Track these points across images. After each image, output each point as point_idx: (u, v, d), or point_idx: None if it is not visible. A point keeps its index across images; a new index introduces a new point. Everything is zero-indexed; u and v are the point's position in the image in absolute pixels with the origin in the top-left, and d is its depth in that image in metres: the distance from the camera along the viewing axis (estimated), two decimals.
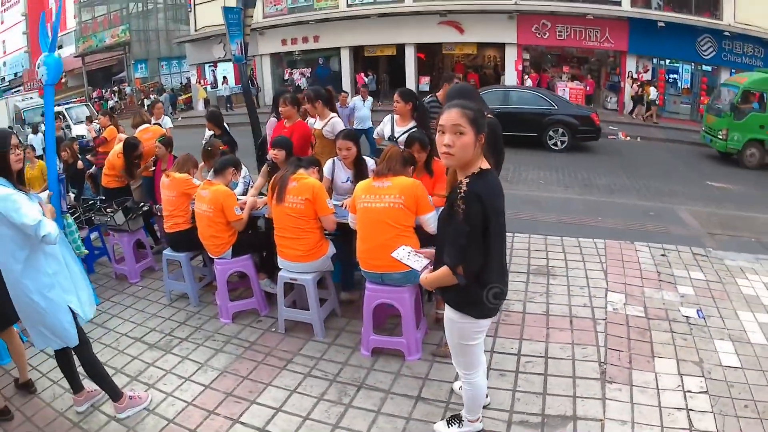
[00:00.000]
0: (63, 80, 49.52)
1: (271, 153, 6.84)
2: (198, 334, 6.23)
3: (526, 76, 25.84)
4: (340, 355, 5.50)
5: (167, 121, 11.39)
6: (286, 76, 33.16)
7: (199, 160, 7.42)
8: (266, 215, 6.35)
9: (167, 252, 7.10)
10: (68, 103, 33.06)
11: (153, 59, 42.81)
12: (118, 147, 8.86)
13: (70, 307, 4.57)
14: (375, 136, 7.67)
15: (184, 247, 6.93)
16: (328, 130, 7.54)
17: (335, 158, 6.70)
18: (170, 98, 32.64)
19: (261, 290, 6.50)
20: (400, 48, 28.73)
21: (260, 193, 6.99)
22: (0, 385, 5.50)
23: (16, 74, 65.96)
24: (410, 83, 27.45)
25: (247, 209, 6.34)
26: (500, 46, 27.49)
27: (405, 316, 5.18)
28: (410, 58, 28.42)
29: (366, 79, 28.99)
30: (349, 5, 28.94)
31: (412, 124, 6.88)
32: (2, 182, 4.28)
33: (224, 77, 36.18)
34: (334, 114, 7.76)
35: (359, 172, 6.53)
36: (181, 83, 42.84)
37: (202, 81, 37.73)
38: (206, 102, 36.34)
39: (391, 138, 7.04)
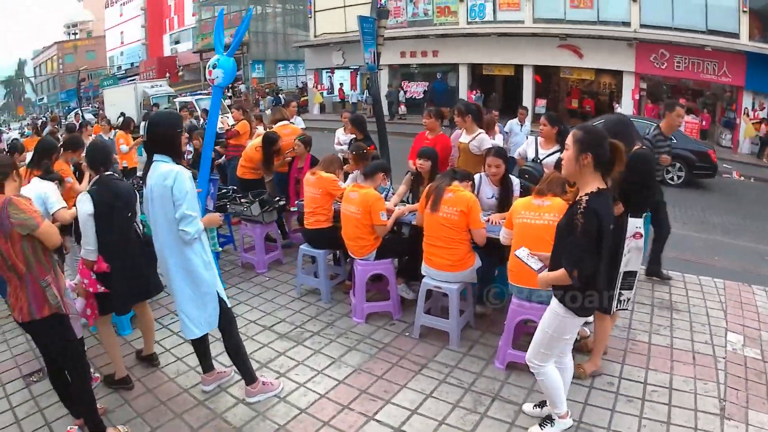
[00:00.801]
0: (180, 73, 51.04)
1: (417, 163, 6.92)
2: (330, 329, 6.31)
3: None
4: (475, 365, 5.47)
5: (299, 121, 11.59)
6: (405, 87, 33.32)
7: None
8: (413, 222, 6.38)
9: (304, 247, 7.24)
10: (198, 94, 33.54)
11: (270, 61, 43.70)
12: (256, 141, 9.09)
13: (217, 292, 4.77)
14: (516, 156, 7.65)
15: (322, 245, 7.05)
16: (475, 145, 7.58)
17: (482, 174, 6.71)
18: (273, 101, 33.07)
19: (397, 294, 6.54)
20: (518, 69, 28.45)
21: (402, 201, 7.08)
22: (121, 355, 5.63)
23: (132, 64, 68.79)
24: (527, 104, 27.10)
25: (393, 218, 6.40)
26: (616, 74, 26.80)
27: None
28: (528, 79, 28.09)
29: (474, 97, 28.87)
30: (469, 22, 28.90)
31: (556, 147, 6.89)
32: (169, 161, 4.55)
33: (341, 84, 36.67)
34: (482, 130, 7.78)
35: (505, 189, 6.56)
36: (297, 86, 43.62)
37: (319, 86, 38.36)
38: (322, 107, 36.97)
39: (535, 160, 7.06)
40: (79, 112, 37.15)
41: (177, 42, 62.45)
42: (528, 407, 4.77)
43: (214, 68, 6.53)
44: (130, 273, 5.12)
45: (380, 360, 5.62)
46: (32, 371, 6.06)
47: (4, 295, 7.98)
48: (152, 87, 34.74)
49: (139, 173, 10.65)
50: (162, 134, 4.59)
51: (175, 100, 31.52)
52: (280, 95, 36.34)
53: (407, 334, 6.11)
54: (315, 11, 36.57)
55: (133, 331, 6.54)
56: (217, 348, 5.40)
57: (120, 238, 5.07)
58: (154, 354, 5.86)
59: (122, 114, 25.23)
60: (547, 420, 4.45)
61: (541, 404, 4.68)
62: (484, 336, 5.98)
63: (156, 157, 4.56)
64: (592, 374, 5.21)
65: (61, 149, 7.38)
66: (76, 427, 4.78)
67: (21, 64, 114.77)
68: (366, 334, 6.16)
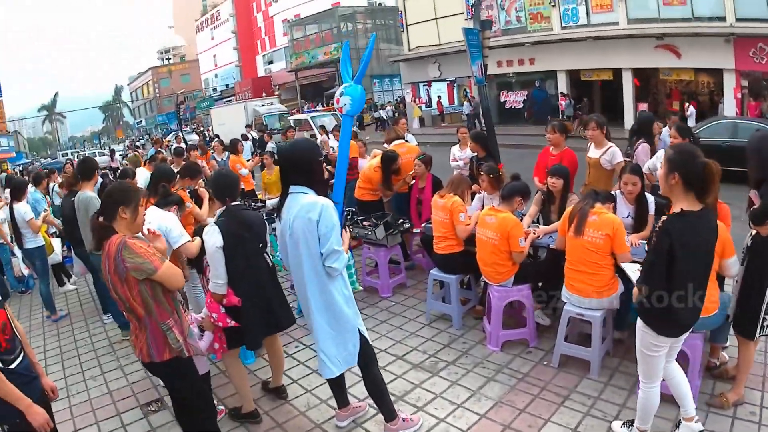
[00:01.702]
0: (276, 93, 52.04)
1: (549, 181, 6.71)
2: (465, 359, 6.11)
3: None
4: (617, 396, 5.18)
5: (411, 138, 11.46)
6: (503, 98, 32.93)
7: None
8: (550, 246, 6.17)
9: (434, 272, 7.08)
10: (312, 112, 33.85)
11: (365, 76, 43.87)
12: (374, 161, 9.01)
13: (357, 328, 4.62)
14: (645, 170, 7.31)
15: (454, 270, 6.87)
16: (606, 159, 7.29)
17: (617, 192, 6.42)
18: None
19: (534, 321, 6.31)
20: (616, 72, 27.63)
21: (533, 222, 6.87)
22: (249, 388, 5.58)
23: (227, 85, 70.78)
24: (628, 110, 26.51)
25: (529, 241, 6.17)
26: (715, 72, 25.53)
27: (693, 362, 4.84)
28: (627, 83, 27.20)
29: (564, 104, 28.50)
30: (563, 27, 28.36)
31: None
32: (311, 192, 4.40)
33: (438, 97, 36.64)
34: (612, 143, 7.48)
35: (641, 208, 6.26)
36: (395, 100, 43.86)
37: (417, 100, 38.45)
38: (421, 120, 37.04)
39: None
40: (180, 134, 37.79)
41: (270, 62, 63.95)
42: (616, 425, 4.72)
43: (341, 96, 6.45)
44: (261, 306, 5.06)
45: (521, 392, 5.37)
46: (150, 401, 6.12)
47: (116, 319, 8.13)
48: (263, 105, 35.07)
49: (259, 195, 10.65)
50: (300, 164, 4.43)
51: (289, 118, 31.56)
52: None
53: (545, 362, 5.86)
54: (407, 25, 36.65)
55: (256, 360, 6.54)
56: (350, 379, 5.28)
57: (250, 270, 5.01)
58: (283, 386, 5.79)
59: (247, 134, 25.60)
60: (630, 423, 4.57)
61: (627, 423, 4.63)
62: (623, 363, 5.66)
63: (294, 188, 4.42)
64: (734, 404, 4.88)
65: (178, 176, 7.41)
66: None
67: (118, 90, 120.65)
68: (503, 363, 5.93)
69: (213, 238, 4.76)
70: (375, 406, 4.92)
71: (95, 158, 9.87)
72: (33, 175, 13.39)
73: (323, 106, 45.72)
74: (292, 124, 27.37)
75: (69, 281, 11.35)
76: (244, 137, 22.59)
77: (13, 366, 3.63)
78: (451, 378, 5.73)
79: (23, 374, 3.72)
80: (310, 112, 34.16)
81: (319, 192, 4.43)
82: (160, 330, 3.96)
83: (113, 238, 3.90)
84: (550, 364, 5.78)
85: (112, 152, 41.13)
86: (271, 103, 36.17)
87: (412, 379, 5.80)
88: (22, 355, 3.78)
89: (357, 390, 5.47)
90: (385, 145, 10.06)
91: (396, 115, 32.28)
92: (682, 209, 3.70)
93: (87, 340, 8.37)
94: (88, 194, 7.64)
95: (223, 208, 5.06)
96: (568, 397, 5.22)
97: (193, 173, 7.63)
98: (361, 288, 6.17)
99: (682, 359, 4.70)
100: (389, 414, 4.81)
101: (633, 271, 4.39)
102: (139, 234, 4.23)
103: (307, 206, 4.27)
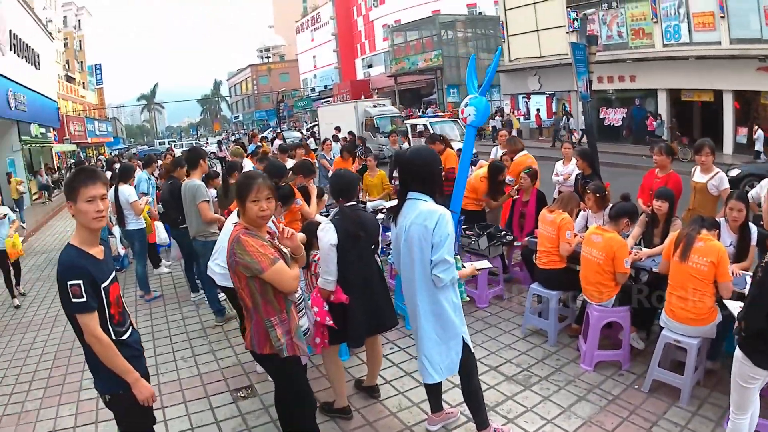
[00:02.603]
0: (375, 96, 52.42)
1: (655, 204, 6.70)
2: (558, 375, 6.14)
3: None
4: (704, 426, 5.12)
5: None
6: (602, 114, 32.33)
7: None
8: (651, 269, 6.17)
9: (535, 287, 7.13)
10: (431, 116, 32.59)
11: (464, 85, 43.43)
12: (481, 171, 9.09)
13: (462, 337, 4.70)
14: (750, 199, 7.22)
15: (555, 286, 6.90)
16: (714, 185, 7.26)
17: (722, 219, 6.36)
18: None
19: (629, 344, 6.29)
20: (717, 94, 26.55)
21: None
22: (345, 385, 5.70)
23: (325, 86, 71.66)
24: (727, 134, 25.75)
25: (630, 262, 6.14)
26: None
27: None
28: (728, 105, 26.21)
29: (655, 124, 27.85)
30: (665, 45, 27.68)
31: None
32: (429, 200, 4.50)
33: (537, 110, 36.28)
34: (719, 169, 7.41)
35: (743, 238, 6.22)
36: (494, 111, 43.77)
37: (515, 112, 38.18)
38: (518, 132, 36.82)
39: None
40: (279, 131, 38.01)
41: (370, 66, 64.44)
42: None
43: (466, 107, 6.58)
44: (367, 305, 5.19)
45: (610, 413, 5.37)
46: (240, 387, 6.34)
47: (212, 305, 8.41)
48: (374, 106, 33.31)
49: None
50: (422, 171, 4.53)
51: (405, 122, 30.00)
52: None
53: (636, 386, 5.83)
54: (508, 35, 36.42)
55: (350, 358, 6.70)
56: (444, 384, 5.33)
57: (361, 269, 5.15)
58: (376, 386, 5.92)
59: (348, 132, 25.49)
60: None
61: None
62: (713, 395, 5.58)
63: (412, 194, 4.53)
64: None
65: (290, 173, 7.66)
66: None
67: (217, 84, 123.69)
68: (595, 383, 5.93)
69: (328, 235, 4.89)
70: (468, 414, 5.03)
71: (203, 148, 10.28)
72: (145, 158, 14.01)
73: (419, 112, 45.51)
74: (407, 129, 27.75)
75: (160, 265, 11.96)
76: (334, 138, 22.79)
77: (124, 338, 3.84)
78: (542, 393, 5.78)
79: (133, 347, 3.95)
80: (428, 116, 33.08)
81: (437, 200, 4.52)
82: (263, 325, 4.05)
83: (236, 227, 4.07)
84: (641, 389, 5.76)
85: (220, 143, 41.84)
86: (383, 105, 34.52)
87: (505, 390, 5.86)
88: (131, 329, 4.01)
89: (449, 396, 5.57)
90: (499, 154, 10.11)
91: (503, 125, 31.92)
92: None
93: (180, 322, 8.76)
94: (196, 182, 7.99)
95: (338, 207, 5.23)
96: (656, 423, 5.20)
97: (307, 171, 7.76)
98: (468, 298, 6.26)
99: None
100: (482, 423, 4.86)
101: (735, 308, 4.37)
102: (271, 224, 4.36)
103: (425, 213, 4.37)
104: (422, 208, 4.41)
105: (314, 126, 48.47)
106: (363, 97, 46.13)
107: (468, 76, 7.06)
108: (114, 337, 3.72)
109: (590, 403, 5.57)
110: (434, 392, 5.14)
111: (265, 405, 5.94)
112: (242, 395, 6.19)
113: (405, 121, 29.97)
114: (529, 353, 6.69)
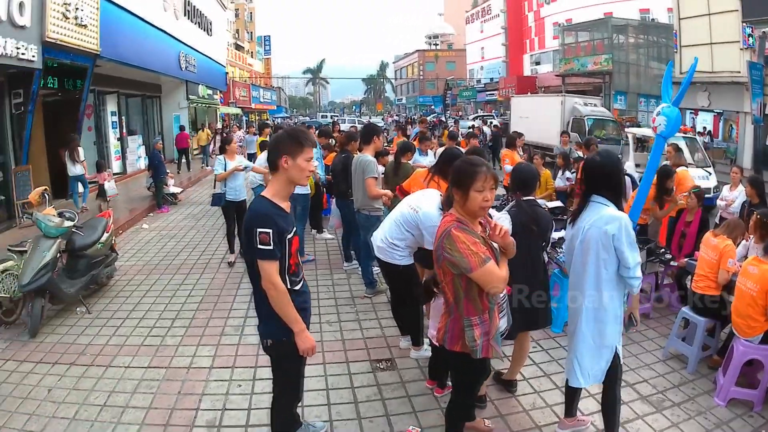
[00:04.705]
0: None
1: None
2: (690, 404, 6.07)
3: None
4: None
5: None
6: None
7: None
8: None
9: (685, 309, 7.08)
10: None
11: (632, 93, 42.01)
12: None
13: (615, 347, 4.76)
14: None
15: (706, 313, 6.82)
16: None
17: None
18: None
19: (767, 385, 6.08)
20: None
21: None
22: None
23: (491, 79, 71.30)
24: None
25: None
26: None
27: None
28: None
29: None
30: None
31: None
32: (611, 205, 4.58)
33: (704, 128, 34.78)
34: None
35: None
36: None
37: (682, 127, 36.56)
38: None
39: None
40: (442, 118, 37.29)
41: (537, 63, 63.38)
42: None
43: (657, 116, 6.52)
44: (527, 300, 5.31)
45: None
46: (381, 358, 6.59)
47: (365, 276, 8.66)
48: (585, 105, 29.49)
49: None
50: (611, 177, 4.63)
51: (627, 130, 24.30)
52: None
53: (764, 431, 5.68)
54: (681, 46, 35.08)
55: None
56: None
57: (529, 263, 5.27)
58: (515, 381, 6.05)
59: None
60: None
61: None
62: None
63: (594, 197, 4.62)
64: None
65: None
66: (419, 429, 5.14)
67: (383, 66, 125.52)
68: (725, 419, 5.81)
69: (504, 225, 4.81)
70: (599, 425, 5.17)
71: (378, 125, 10.59)
72: (322, 129, 15.15)
73: None
74: (628, 138, 22.51)
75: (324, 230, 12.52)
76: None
77: (297, 287, 4.18)
78: (673, 419, 5.74)
79: (303, 298, 4.30)
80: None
81: (618, 206, 4.61)
82: (461, 323, 3.99)
83: (447, 217, 4.00)
84: None
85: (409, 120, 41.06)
86: (594, 105, 30.66)
87: (637, 409, 5.87)
88: (303, 281, 4.34)
89: (582, 405, 5.60)
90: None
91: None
92: None
93: (329, 288, 9.19)
94: (367, 157, 8.30)
95: (515, 200, 5.43)
96: None
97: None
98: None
99: None
100: None
101: None
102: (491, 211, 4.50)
103: (606, 218, 4.46)
104: (604, 213, 4.50)
105: (477, 117, 48.08)
106: (529, 93, 44.88)
107: (663, 84, 6.94)
108: (289, 286, 4.04)
109: None
110: (573, 396, 5.20)
111: (403, 379, 6.19)
112: (381, 366, 6.46)
113: (627, 129, 25.26)
114: (666, 376, 6.64)
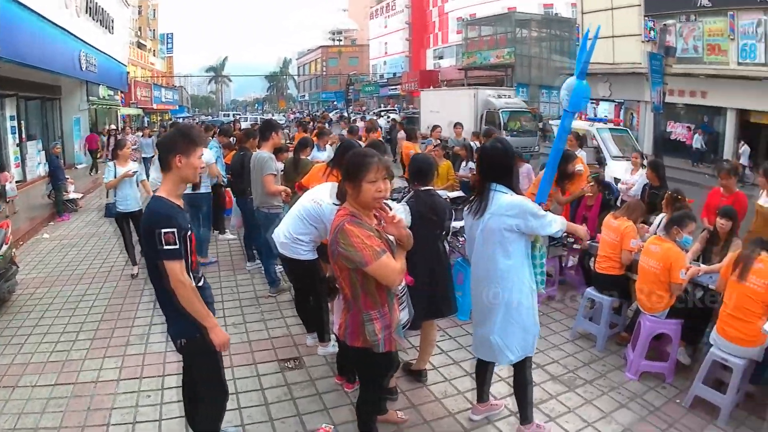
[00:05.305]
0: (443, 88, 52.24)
1: (718, 222, 6.73)
2: (602, 381, 6.20)
3: None
4: None
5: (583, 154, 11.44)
6: (669, 128, 31.62)
7: None
8: (708, 285, 6.21)
9: (590, 291, 7.21)
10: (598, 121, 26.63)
11: (534, 85, 42.90)
12: None
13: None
14: None
15: (609, 292, 6.96)
16: None
17: None
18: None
19: (675, 357, 6.32)
20: None
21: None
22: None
23: (394, 74, 71.89)
24: None
25: (688, 277, 6.16)
26: None
27: None
28: None
29: (698, 138, 28.23)
30: (739, 63, 27.10)
31: None
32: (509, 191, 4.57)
33: (605, 116, 35.68)
34: None
35: None
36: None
37: (582, 117, 37.48)
38: (583, 138, 36.13)
39: None
40: (344, 113, 37.33)
41: (440, 57, 64.03)
42: None
43: (561, 90, 6.53)
44: (429, 289, 5.31)
45: (649, 423, 5.43)
46: (289, 357, 6.51)
47: (267, 275, 8.56)
48: (499, 97, 28.49)
49: None
50: (497, 163, 4.62)
51: (551, 122, 25.63)
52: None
53: (678, 401, 5.86)
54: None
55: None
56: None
57: (427, 253, 5.27)
58: (425, 371, 6.04)
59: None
60: None
61: None
62: (750, 418, 5.57)
63: (493, 186, 4.58)
64: None
65: None
66: (332, 427, 5.09)
67: (286, 62, 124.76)
68: (638, 392, 5.98)
69: (401, 216, 4.97)
70: (512, 408, 5.23)
71: (275, 121, 10.39)
72: (221, 128, 14.73)
73: None
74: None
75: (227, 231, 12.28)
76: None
77: (200, 284, 4.10)
78: (586, 396, 5.86)
79: (207, 294, 4.22)
80: (594, 120, 25.21)
81: (516, 192, 4.61)
82: (360, 318, 3.92)
83: (340, 211, 3.93)
84: (682, 404, 5.78)
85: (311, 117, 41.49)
86: (509, 96, 29.61)
87: (549, 389, 5.97)
88: (203, 277, 4.27)
89: (494, 389, 5.65)
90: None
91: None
92: None
93: (233, 289, 9.02)
94: (265, 154, 8.12)
95: (413, 190, 5.42)
96: None
97: (380, 151, 7.81)
98: (543, 291, 6.27)
99: None
100: (526, 417, 4.97)
101: None
102: (390, 202, 4.41)
103: (506, 206, 4.46)
104: (503, 201, 4.49)
105: (381, 111, 48.27)
106: (431, 87, 45.14)
107: (579, 54, 6.77)
108: (194, 284, 3.96)
109: (631, 412, 5.63)
110: (483, 380, 5.23)
111: (312, 377, 6.12)
112: (289, 366, 6.37)
113: (551, 121, 25.57)
114: (576, 356, 6.78)
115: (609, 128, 20.10)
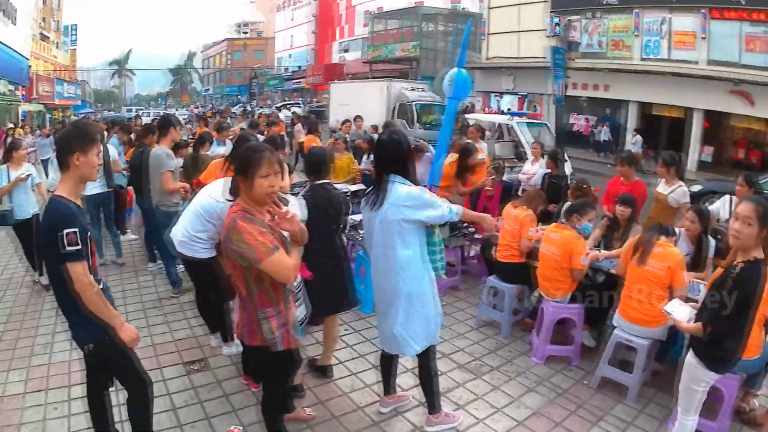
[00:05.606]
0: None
1: (618, 209, 6.86)
2: (509, 366, 6.28)
3: None
4: (649, 424, 5.28)
5: (484, 146, 11.54)
6: (572, 120, 32.52)
7: None
8: (610, 270, 6.33)
9: (492, 279, 7.28)
10: (517, 115, 23.47)
11: (439, 78, 43.45)
12: (453, 157, 9.15)
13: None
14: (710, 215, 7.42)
15: (512, 280, 7.03)
16: (674, 198, 7.41)
17: (682, 229, 6.53)
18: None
19: (580, 340, 6.45)
20: (687, 111, 27.15)
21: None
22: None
23: (299, 67, 71.70)
24: (693, 151, 26.36)
25: (588, 262, 6.29)
26: None
27: (727, 403, 4.92)
28: (697, 124, 26.84)
29: (603, 131, 29.15)
30: (642, 59, 28.07)
31: None
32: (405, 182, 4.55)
33: (508, 109, 36.18)
34: (682, 183, 7.59)
35: (700, 250, 6.37)
36: (466, 107, 43.71)
37: (486, 109, 38.00)
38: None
39: (728, 220, 6.85)
40: (247, 107, 36.98)
41: (346, 50, 64.07)
42: None
43: (442, 80, 6.54)
44: (329, 284, 5.28)
45: (558, 406, 5.52)
46: (194, 359, 6.34)
47: (169, 276, 8.38)
48: (413, 90, 28.36)
49: None
50: (391, 154, 4.60)
51: (467, 117, 22.20)
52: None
53: (585, 382, 5.99)
54: (489, 33, 36.47)
55: (305, 337, 6.71)
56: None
57: (326, 247, 5.24)
58: (330, 366, 5.99)
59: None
60: None
61: None
62: (658, 395, 5.74)
63: (390, 177, 4.56)
64: None
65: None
66: (241, 428, 4.97)
67: (190, 55, 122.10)
68: (545, 376, 6.08)
69: (298, 211, 4.79)
70: (420, 398, 5.19)
71: (173, 115, 10.11)
72: (121, 124, 14.15)
73: None
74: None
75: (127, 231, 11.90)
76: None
77: (101, 286, 3.90)
78: (493, 382, 5.91)
79: (109, 295, 4.08)
80: (515, 114, 23.81)
81: (413, 182, 4.59)
82: (256, 316, 3.84)
83: (233, 207, 3.81)
84: (590, 385, 5.91)
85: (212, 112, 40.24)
86: (422, 90, 29.33)
87: (456, 378, 5.98)
88: (102, 282, 4.07)
89: (401, 380, 5.63)
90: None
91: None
92: (755, 257, 3.89)
93: (136, 291, 8.72)
94: (162, 150, 7.88)
95: (311, 184, 5.34)
96: (603, 418, 5.35)
97: (276, 145, 7.71)
98: (445, 277, 6.23)
99: (717, 398, 4.88)
100: (434, 406, 4.97)
101: (680, 312, 4.43)
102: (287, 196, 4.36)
103: (403, 197, 4.44)
104: (400, 192, 4.46)
105: (283, 105, 48.01)
106: (335, 80, 44.80)
107: (462, 48, 6.80)
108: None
109: (539, 395, 5.71)
110: (388, 372, 5.21)
111: (218, 379, 5.97)
112: (195, 368, 6.20)
113: (466, 115, 23.53)
114: (481, 343, 6.83)
115: (527, 122, 19.00)
